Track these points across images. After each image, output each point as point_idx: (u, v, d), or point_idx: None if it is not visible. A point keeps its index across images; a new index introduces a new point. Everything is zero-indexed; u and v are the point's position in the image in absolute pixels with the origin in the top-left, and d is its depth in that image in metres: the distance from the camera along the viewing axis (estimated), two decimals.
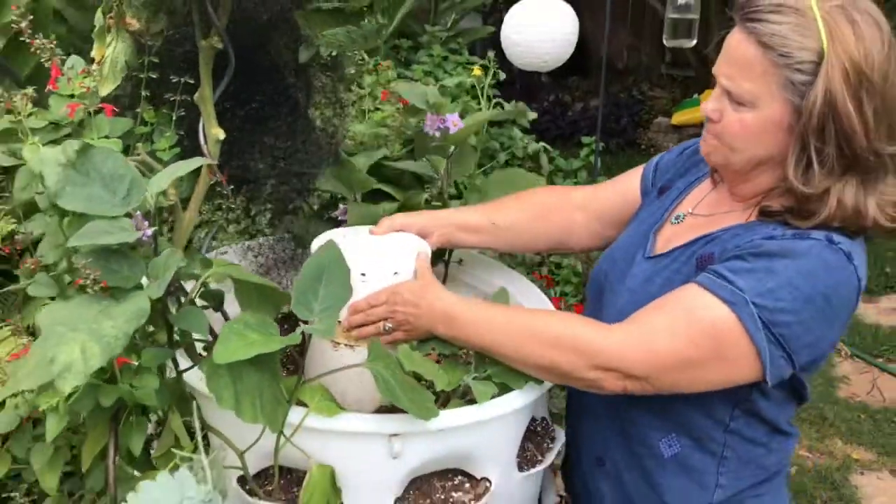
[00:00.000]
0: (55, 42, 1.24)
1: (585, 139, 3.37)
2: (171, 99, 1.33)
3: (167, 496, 0.97)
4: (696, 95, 5.96)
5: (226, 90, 1.28)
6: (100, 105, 1.26)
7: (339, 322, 1.25)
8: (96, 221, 0.97)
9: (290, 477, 1.18)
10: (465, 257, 1.62)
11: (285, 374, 1.36)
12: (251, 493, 1.15)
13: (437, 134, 1.52)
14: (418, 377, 1.17)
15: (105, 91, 1.28)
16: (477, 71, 1.96)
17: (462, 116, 1.58)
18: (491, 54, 1.99)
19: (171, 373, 1.10)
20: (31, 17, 1.20)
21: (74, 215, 1.01)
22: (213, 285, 1.20)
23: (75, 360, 0.88)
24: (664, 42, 2.96)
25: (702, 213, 1.28)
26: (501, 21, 2.54)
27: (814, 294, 1.08)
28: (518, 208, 1.48)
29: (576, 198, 1.49)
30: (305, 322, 1.07)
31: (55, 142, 1.18)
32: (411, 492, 1.17)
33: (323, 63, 1.49)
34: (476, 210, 1.49)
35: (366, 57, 2.16)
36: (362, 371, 1.13)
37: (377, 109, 1.91)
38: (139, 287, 0.98)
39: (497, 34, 2.60)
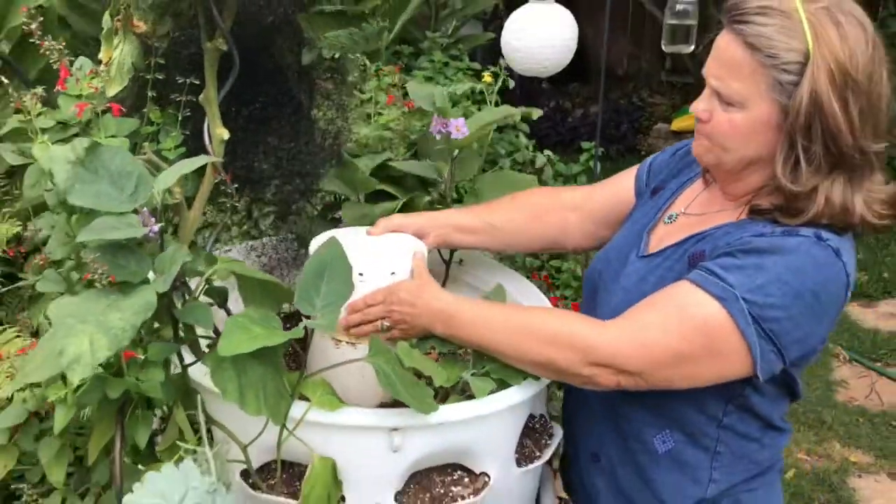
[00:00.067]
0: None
1: (585, 145, 3.39)
2: (177, 99, 1.35)
3: (172, 487, 0.98)
4: None
5: (230, 91, 1.30)
6: (107, 105, 1.27)
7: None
8: (104, 217, 0.99)
9: (293, 471, 1.19)
10: (465, 258, 1.63)
11: (288, 371, 1.37)
12: (254, 486, 1.16)
13: (445, 136, 1.53)
14: (417, 374, 1.18)
15: (112, 91, 1.29)
16: (487, 77, 1.99)
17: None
18: (502, 62, 2.02)
19: (176, 368, 1.12)
20: (42, 19, 1.23)
21: (83, 212, 1.04)
22: (217, 283, 1.22)
23: (84, 352, 0.90)
24: (663, 48, 2.98)
25: (694, 212, 1.29)
26: (501, 28, 2.56)
27: (803, 290, 1.09)
28: (514, 209, 1.50)
29: (570, 198, 1.51)
30: (308, 317, 1.09)
31: (64, 141, 1.19)
32: (411, 486, 1.18)
33: (326, 65, 1.51)
34: (472, 211, 1.51)
35: (367, 63, 2.18)
36: (364, 367, 1.15)
37: (379, 114, 1.93)
38: (146, 282, 1.00)
39: (497, 41, 2.62)
